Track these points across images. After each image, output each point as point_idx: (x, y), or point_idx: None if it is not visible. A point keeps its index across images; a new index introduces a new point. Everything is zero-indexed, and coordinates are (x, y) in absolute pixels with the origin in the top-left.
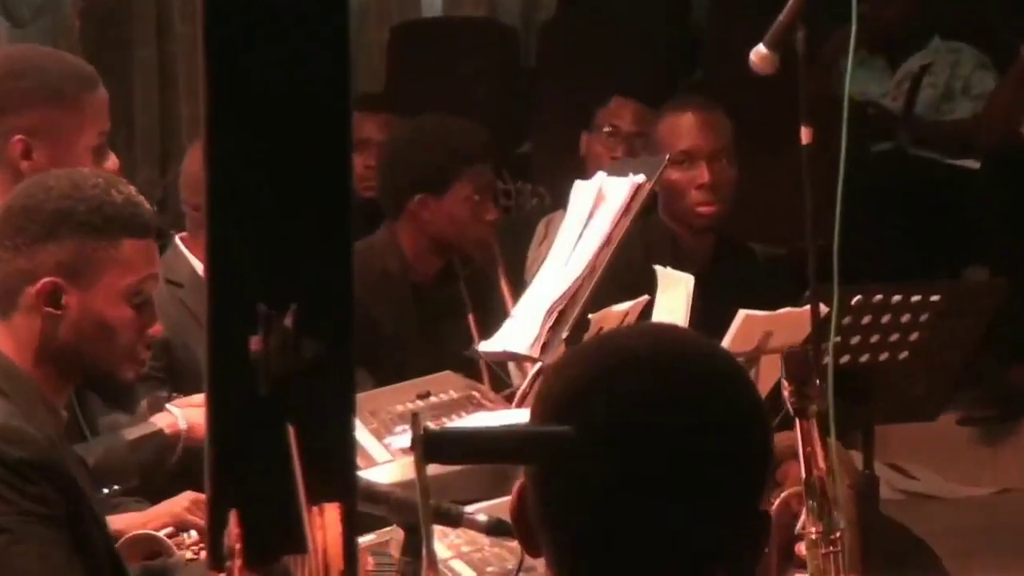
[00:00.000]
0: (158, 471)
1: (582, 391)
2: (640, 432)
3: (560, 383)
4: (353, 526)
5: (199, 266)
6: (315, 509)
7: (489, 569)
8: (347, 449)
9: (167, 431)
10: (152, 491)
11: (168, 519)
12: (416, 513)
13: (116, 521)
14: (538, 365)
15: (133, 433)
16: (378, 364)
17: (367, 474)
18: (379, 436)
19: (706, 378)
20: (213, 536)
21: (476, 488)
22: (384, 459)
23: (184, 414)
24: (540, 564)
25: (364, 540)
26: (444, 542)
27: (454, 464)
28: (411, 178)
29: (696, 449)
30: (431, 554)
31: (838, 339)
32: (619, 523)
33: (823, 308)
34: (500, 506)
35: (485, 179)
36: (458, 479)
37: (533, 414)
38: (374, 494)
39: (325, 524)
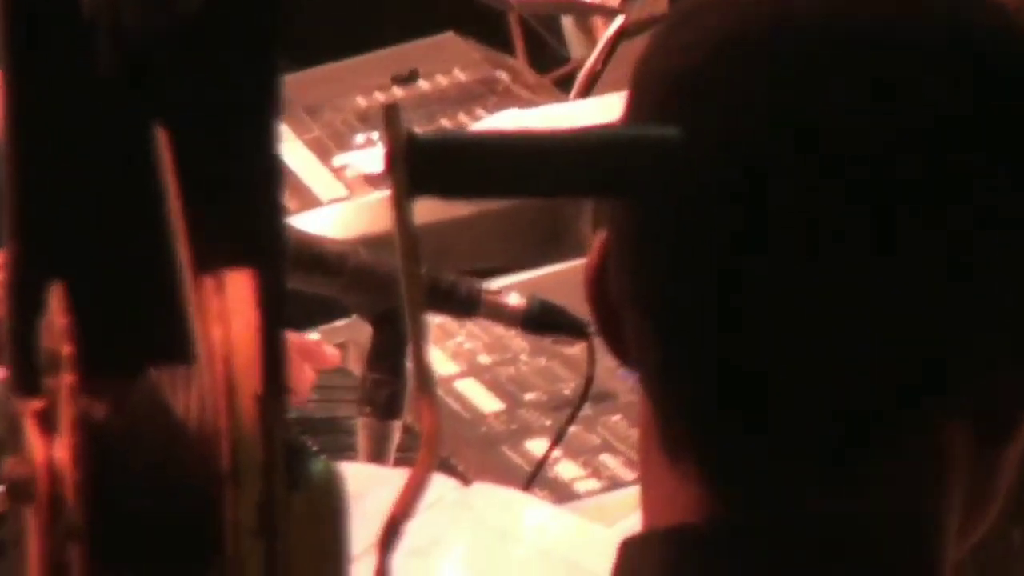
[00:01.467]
0: None
1: (725, 62)
2: (833, 136)
3: (680, 53)
4: (278, 315)
5: None
6: (209, 283)
7: (528, 396)
8: (266, 176)
9: None
10: None
11: None
12: (393, 292)
13: None
14: (619, 19)
15: None
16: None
17: (303, 221)
18: (324, 153)
19: (952, 27)
20: (17, 335)
21: (503, 248)
22: (334, 195)
23: None
24: (623, 391)
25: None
26: (447, 346)
27: (463, 199)
28: None
29: (935, 165)
30: (423, 368)
31: None
32: (779, 305)
33: None
34: (550, 280)
35: None
36: (471, 231)
37: (629, 105)
38: (317, 258)
39: (228, 310)
